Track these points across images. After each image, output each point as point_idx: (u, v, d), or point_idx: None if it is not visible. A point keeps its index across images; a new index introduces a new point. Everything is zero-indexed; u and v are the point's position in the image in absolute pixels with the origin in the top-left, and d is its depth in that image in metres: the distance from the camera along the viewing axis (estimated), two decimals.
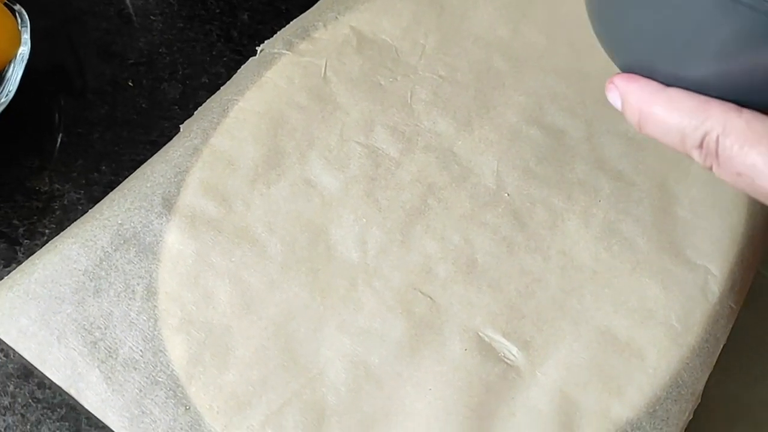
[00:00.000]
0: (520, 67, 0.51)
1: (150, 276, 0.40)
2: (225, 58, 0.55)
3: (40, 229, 0.47)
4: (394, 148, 0.47)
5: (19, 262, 0.44)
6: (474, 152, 0.47)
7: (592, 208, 0.44)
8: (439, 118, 0.48)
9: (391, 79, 0.50)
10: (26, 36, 0.50)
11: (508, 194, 0.45)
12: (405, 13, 0.53)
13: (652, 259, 0.42)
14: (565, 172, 0.46)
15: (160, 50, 0.56)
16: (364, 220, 0.44)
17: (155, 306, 0.40)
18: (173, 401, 0.37)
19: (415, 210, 0.44)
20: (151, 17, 0.58)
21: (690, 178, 0.46)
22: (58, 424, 0.40)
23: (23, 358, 0.39)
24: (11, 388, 0.41)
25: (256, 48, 0.52)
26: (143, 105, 0.51)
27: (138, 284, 0.40)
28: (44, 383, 0.41)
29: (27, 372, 0.42)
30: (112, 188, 0.46)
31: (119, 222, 0.42)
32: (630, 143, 0.47)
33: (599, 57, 0.52)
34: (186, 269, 0.41)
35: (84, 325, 0.39)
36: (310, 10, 0.53)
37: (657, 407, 0.38)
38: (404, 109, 0.49)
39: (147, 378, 0.37)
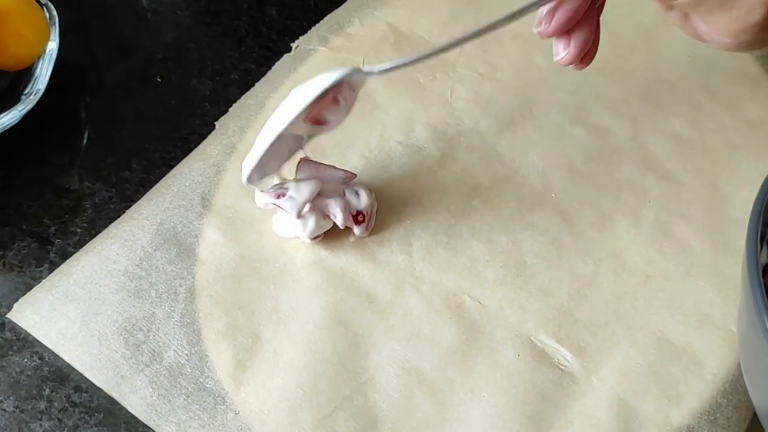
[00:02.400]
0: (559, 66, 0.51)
1: (192, 278, 0.40)
2: (254, 54, 0.54)
3: (71, 228, 0.47)
4: (435, 147, 0.47)
5: (51, 262, 0.44)
6: (518, 152, 0.47)
7: (642, 209, 0.44)
8: (480, 117, 0.48)
9: (430, 77, 0.50)
10: (54, 32, 0.50)
11: (555, 194, 0.45)
12: (442, 9, 0.53)
13: (707, 262, 0.42)
14: (612, 171, 0.46)
15: (188, 46, 0.55)
16: (409, 221, 0.44)
17: (199, 309, 0.39)
18: (222, 407, 0.37)
19: (460, 211, 0.44)
20: (178, 12, 0.57)
21: (740, 178, 0.46)
22: (96, 429, 0.39)
23: (59, 361, 0.39)
24: (47, 392, 0.41)
25: (291, 44, 0.52)
26: (172, 101, 0.51)
27: (180, 286, 0.40)
28: (81, 387, 0.41)
29: (63, 375, 0.41)
30: (144, 186, 0.46)
31: (158, 221, 0.41)
32: (677, 142, 0.47)
33: (641, 54, 0.52)
34: (230, 272, 0.40)
35: (126, 326, 0.39)
36: (344, 5, 0.53)
37: (718, 414, 0.38)
38: (444, 107, 0.49)
39: (194, 384, 0.37)
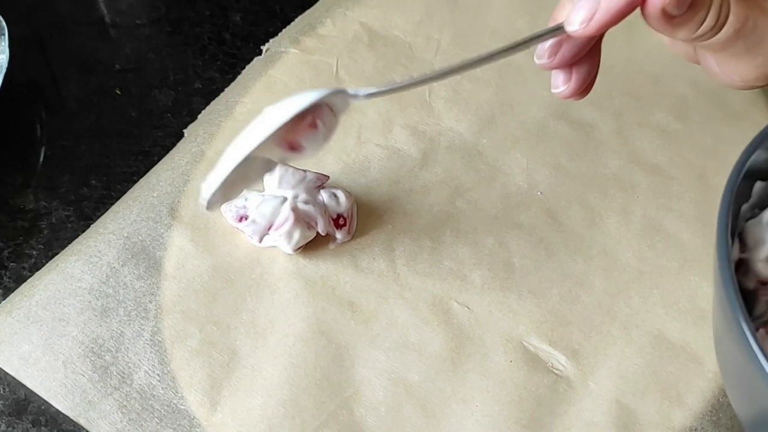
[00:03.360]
0: None
1: (163, 293, 0.39)
2: (218, 62, 0.54)
3: (27, 251, 0.45)
4: (415, 148, 0.46)
5: (5, 287, 0.42)
6: (500, 150, 0.46)
7: (631, 204, 0.44)
8: (461, 116, 0.48)
9: (406, 77, 0.49)
10: (4, 44, 0.49)
11: (541, 193, 0.44)
12: (417, 7, 0.52)
13: (700, 256, 0.42)
14: (598, 167, 0.46)
15: (149, 56, 0.54)
16: (390, 226, 0.43)
17: (170, 326, 0.38)
18: (198, 430, 0.35)
19: (443, 213, 0.43)
20: (137, 21, 0.56)
21: (728, 169, 0.45)
22: None
23: (17, 391, 0.37)
24: (2, 427, 0.39)
25: (258, 49, 0.51)
26: (133, 114, 0.50)
27: (150, 302, 0.39)
28: (40, 420, 0.39)
29: (20, 408, 0.39)
30: (104, 204, 0.45)
31: (125, 235, 0.40)
32: (663, 135, 0.47)
33: (622, 48, 0.52)
34: (203, 286, 0.39)
35: (92, 348, 0.37)
36: (315, 6, 0.53)
37: (720, 414, 0.37)
38: (423, 107, 0.48)
39: (167, 406, 0.36)
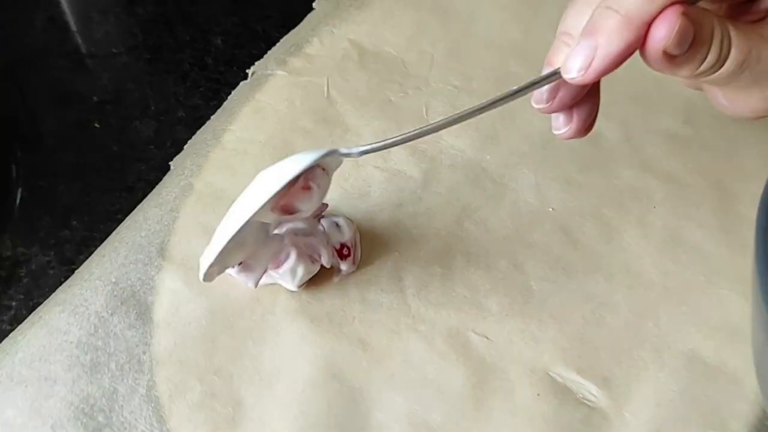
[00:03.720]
0: (539, 70, 0.48)
1: (157, 342, 0.36)
2: (201, 88, 0.51)
3: (5, 302, 0.42)
4: (416, 169, 0.43)
5: None
6: (506, 166, 0.44)
7: (648, 215, 0.42)
8: (461, 132, 0.45)
9: (401, 94, 0.47)
10: None
11: (553, 209, 0.42)
12: (406, 21, 0.50)
13: (726, 267, 0.39)
14: (610, 179, 0.43)
15: (127, 86, 0.51)
16: (396, 253, 0.40)
17: (168, 378, 0.35)
18: None
19: (452, 236, 0.41)
20: (114, 50, 0.54)
21: (745, 172, 0.44)
22: None
23: None
24: None
25: (244, 73, 0.49)
26: (114, 147, 0.47)
27: (144, 353, 0.35)
28: None
29: None
30: (87, 246, 0.42)
31: (113, 281, 0.37)
32: (674, 141, 0.45)
33: None
34: (200, 332, 0.36)
35: (83, 409, 0.34)
36: (300, 25, 0.50)
37: None
38: (421, 124, 0.45)
39: None
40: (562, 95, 0.32)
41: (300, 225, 0.38)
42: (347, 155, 0.33)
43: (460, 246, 0.40)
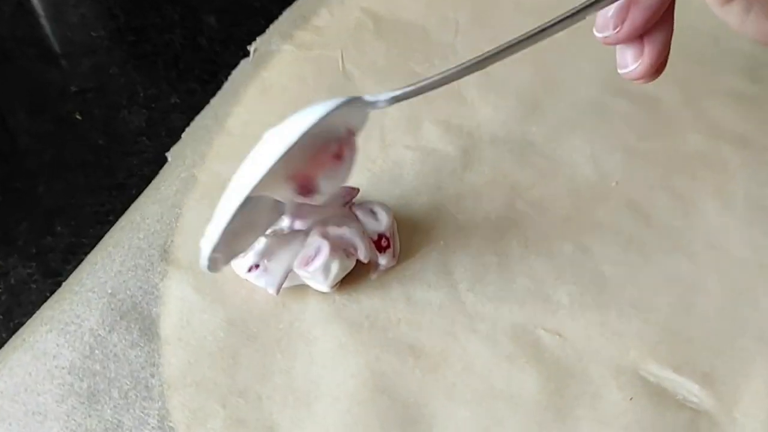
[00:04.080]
0: (579, 29, 0.43)
1: (167, 362, 0.30)
2: (196, 71, 0.46)
3: None
4: (454, 146, 0.38)
5: None
6: (555, 138, 0.39)
7: (727, 184, 0.37)
8: (499, 103, 0.40)
9: (426, 65, 0.42)
10: None
11: (616, 183, 0.37)
12: None
13: None
14: (677, 145, 0.38)
15: (111, 71, 0.46)
16: (442, 242, 0.34)
17: (184, 405, 0.29)
18: None
19: (504, 220, 0.35)
20: (93, 34, 0.48)
21: None
22: None
23: None
24: None
25: (246, 49, 0.43)
26: (99, 141, 0.42)
27: (152, 376, 0.29)
28: None
29: None
30: (75, 254, 0.36)
31: (109, 292, 0.31)
32: (741, 101, 0.40)
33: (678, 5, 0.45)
34: (218, 346, 0.30)
35: None
36: None
37: None
38: (453, 97, 0.40)
39: None
40: (634, 17, 0.27)
41: (329, 213, 0.32)
42: (374, 105, 0.27)
43: (515, 230, 0.35)
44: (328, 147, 0.27)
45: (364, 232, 0.32)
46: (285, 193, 0.28)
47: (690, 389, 0.30)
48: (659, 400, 0.30)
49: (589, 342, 0.31)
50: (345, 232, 0.31)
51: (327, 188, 0.28)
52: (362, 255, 0.32)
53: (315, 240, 0.31)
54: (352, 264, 0.32)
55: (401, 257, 0.34)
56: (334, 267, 0.31)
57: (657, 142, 0.38)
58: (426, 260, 0.34)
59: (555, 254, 0.34)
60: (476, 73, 0.41)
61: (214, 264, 0.28)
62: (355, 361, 0.30)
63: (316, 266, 0.31)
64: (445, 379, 0.30)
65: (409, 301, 0.32)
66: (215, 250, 0.27)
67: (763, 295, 0.33)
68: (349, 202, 0.33)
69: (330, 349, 0.31)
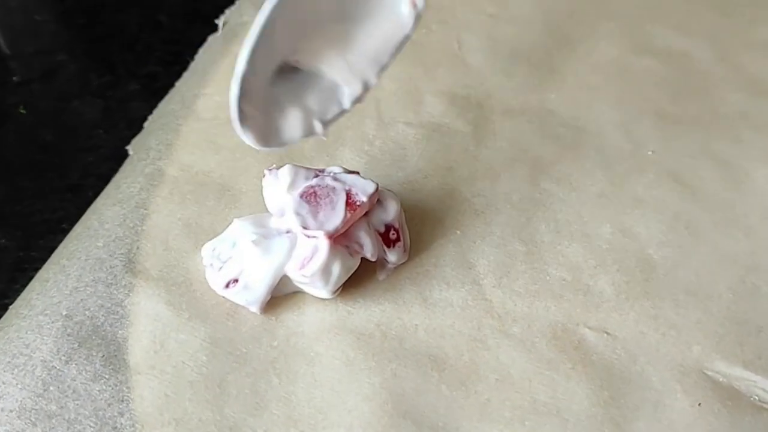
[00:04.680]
0: None
1: (140, 397, 0.24)
2: (157, 53, 0.43)
3: None
4: (462, 120, 0.33)
5: None
6: (578, 105, 0.34)
7: None
8: (509, 69, 0.36)
9: (424, 30, 0.38)
10: None
11: (652, 152, 0.32)
12: None
13: None
14: (715, 106, 0.34)
15: (59, 57, 0.41)
16: (458, 231, 0.29)
17: None
18: None
19: (527, 201, 0.30)
20: (36, 17, 0.43)
21: None
22: None
23: None
24: None
25: (216, 22, 0.39)
26: (48, 137, 0.38)
27: (121, 415, 0.24)
28: None
29: None
30: (22, 270, 0.32)
31: (63, 314, 0.26)
32: None
33: None
34: (201, 373, 0.25)
35: None
36: None
37: None
38: (455, 65, 0.36)
39: None
40: None
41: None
42: None
43: (543, 213, 0.30)
44: None
45: (369, 224, 0.27)
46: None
47: (765, 388, 0.26)
48: (732, 404, 0.25)
49: (643, 339, 0.27)
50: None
51: None
52: (369, 252, 0.27)
53: (311, 238, 0.26)
54: (356, 264, 0.27)
55: (412, 252, 0.29)
56: (336, 268, 0.26)
57: (692, 104, 0.34)
58: (441, 254, 0.29)
59: (591, 238, 0.29)
60: (478, 37, 0.37)
61: (244, 119, 0.22)
62: (368, 381, 0.25)
63: (313, 269, 0.26)
64: (477, 394, 0.25)
65: (426, 303, 0.27)
66: (245, 96, 0.21)
67: None
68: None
69: (336, 367, 0.26)
